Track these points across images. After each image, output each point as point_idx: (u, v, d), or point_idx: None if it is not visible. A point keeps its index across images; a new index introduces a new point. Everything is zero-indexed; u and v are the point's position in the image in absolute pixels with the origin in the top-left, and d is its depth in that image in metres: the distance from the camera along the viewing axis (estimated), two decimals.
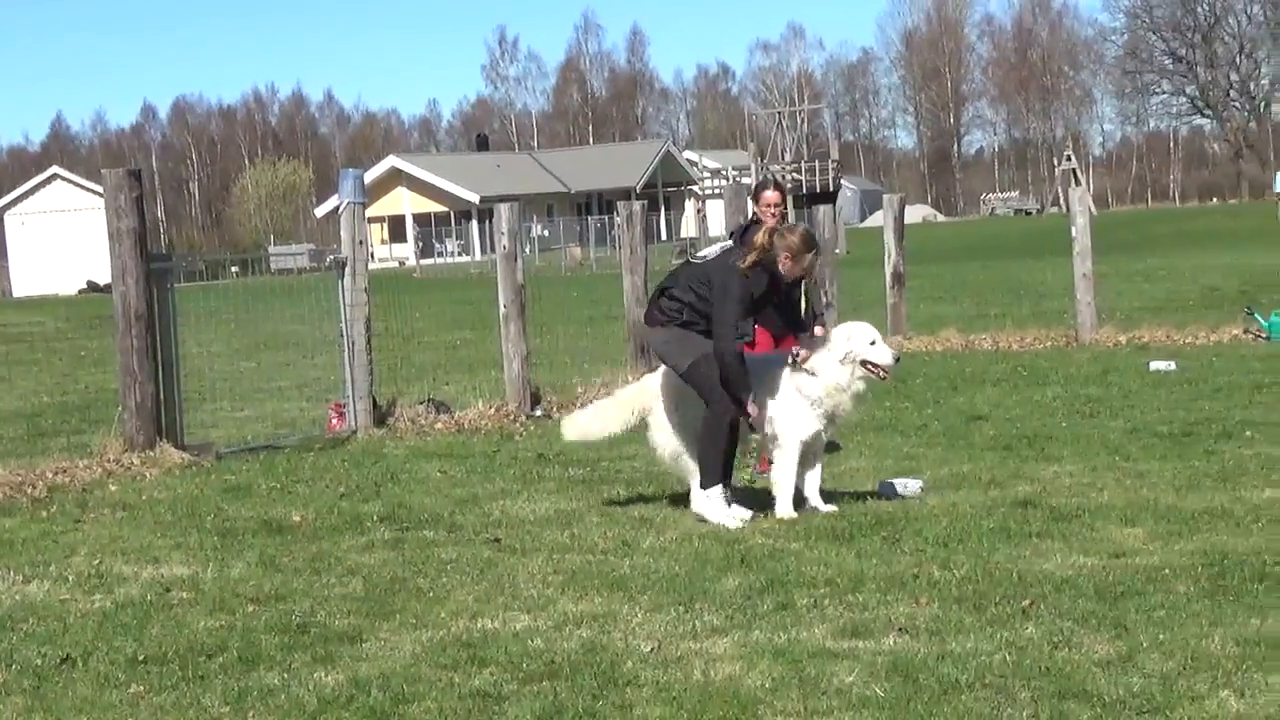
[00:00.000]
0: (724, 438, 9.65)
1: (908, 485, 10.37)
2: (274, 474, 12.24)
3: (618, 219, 17.06)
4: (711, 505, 9.62)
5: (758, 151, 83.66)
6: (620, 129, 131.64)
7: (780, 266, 9.71)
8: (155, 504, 11.03)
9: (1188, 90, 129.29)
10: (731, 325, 9.49)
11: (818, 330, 12.04)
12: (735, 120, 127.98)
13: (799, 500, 9.82)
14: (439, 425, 14.63)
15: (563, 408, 15.42)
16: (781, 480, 9.82)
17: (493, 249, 18.04)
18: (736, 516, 9.58)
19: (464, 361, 21.53)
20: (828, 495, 10.03)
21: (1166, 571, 7.76)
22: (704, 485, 9.68)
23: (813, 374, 9.71)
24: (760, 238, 9.68)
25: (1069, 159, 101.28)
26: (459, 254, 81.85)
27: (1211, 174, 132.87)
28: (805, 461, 9.85)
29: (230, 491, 11.49)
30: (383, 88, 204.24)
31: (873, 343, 9.80)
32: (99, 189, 15.64)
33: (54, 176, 76.41)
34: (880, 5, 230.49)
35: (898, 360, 9.96)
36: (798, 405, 9.77)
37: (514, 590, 8.00)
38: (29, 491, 11.62)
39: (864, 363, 9.75)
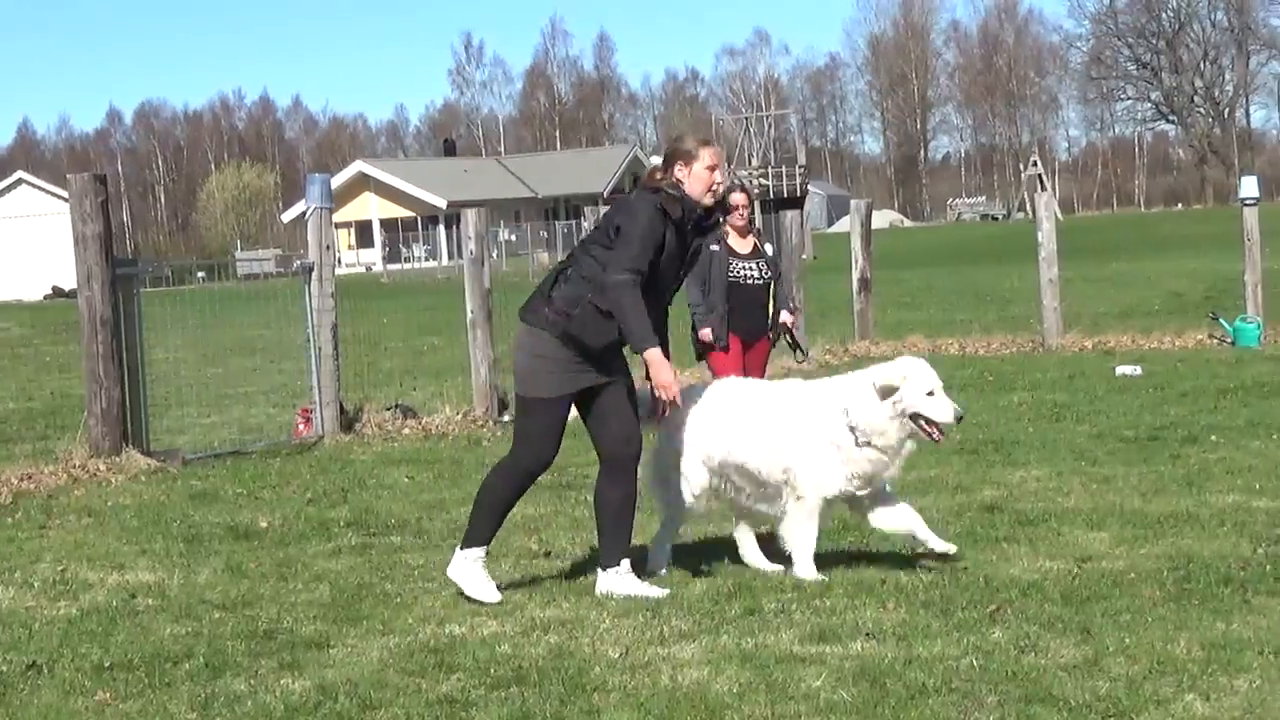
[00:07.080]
0: (514, 490, 7.99)
1: None
2: (240, 480, 12.20)
3: (585, 224, 17.03)
4: (467, 571, 7.87)
5: (725, 157, 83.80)
6: (587, 134, 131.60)
7: (691, 192, 7.76)
8: (121, 510, 10.99)
9: (1152, 96, 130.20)
10: (631, 260, 7.56)
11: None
12: (703, 126, 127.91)
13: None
14: (406, 431, 14.62)
15: None
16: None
17: (460, 254, 18.01)
18: (491, 590, 7.84)
19: (431, 367, 21.49)
20: None
21: (1132, 576, 7.79)
22: (464, 545, 7.91)
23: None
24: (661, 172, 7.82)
25: (1035, 164, 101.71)
26: (426, 259, 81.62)
27: (1176, 180, 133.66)
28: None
29: (196, 497, 11.45)
30: (350, 93, 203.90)
31: (930, 393, 7.87)
32: (64, 194, 15.61)
33: (19, 181, 75.76)
34: (847, 11, 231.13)
35: (959, 419, 8.01)
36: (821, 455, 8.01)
37: None
38: None
39: (914, 417, 7.87)
